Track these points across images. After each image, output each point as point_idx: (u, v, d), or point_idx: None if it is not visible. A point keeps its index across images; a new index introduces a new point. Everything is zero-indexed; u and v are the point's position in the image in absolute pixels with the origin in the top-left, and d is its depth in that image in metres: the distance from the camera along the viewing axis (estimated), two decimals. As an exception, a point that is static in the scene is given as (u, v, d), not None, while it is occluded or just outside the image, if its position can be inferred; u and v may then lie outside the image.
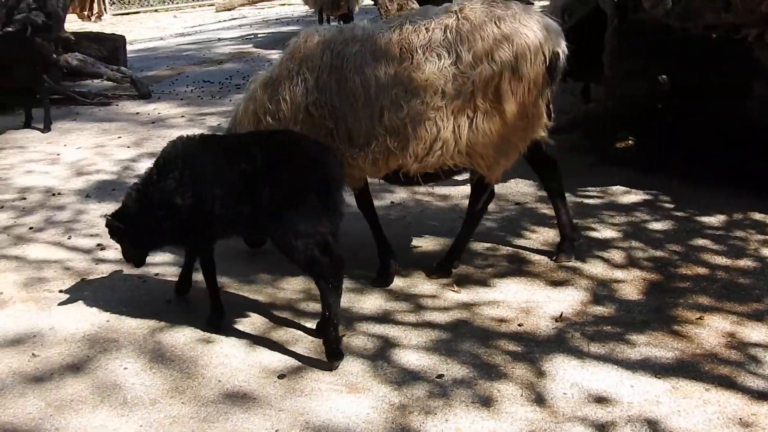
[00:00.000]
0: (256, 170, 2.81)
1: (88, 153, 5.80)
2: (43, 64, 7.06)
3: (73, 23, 13.58)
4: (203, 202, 2.90)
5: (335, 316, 2.78)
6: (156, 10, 18.28)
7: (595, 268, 3.57)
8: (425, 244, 3.96)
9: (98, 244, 4.06)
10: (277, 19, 13.99)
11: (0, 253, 4.04)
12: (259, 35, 11.77)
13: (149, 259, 3.63)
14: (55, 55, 7.60)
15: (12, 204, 4.80)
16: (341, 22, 10.75)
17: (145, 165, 5.24)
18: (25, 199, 4.88)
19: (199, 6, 18.37)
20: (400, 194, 4.65)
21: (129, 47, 9.63)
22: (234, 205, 2.86)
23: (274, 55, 9.65)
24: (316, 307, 3.27)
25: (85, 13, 16.73)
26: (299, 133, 3.12)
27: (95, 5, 16.90)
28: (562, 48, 3.01)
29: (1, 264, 3.89)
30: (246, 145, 2.98)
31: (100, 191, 4.90)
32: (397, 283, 3.49)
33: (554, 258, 3.62)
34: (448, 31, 2.98)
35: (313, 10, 10.93)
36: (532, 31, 2.94)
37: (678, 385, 2.56)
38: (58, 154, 5.83)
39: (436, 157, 3.09)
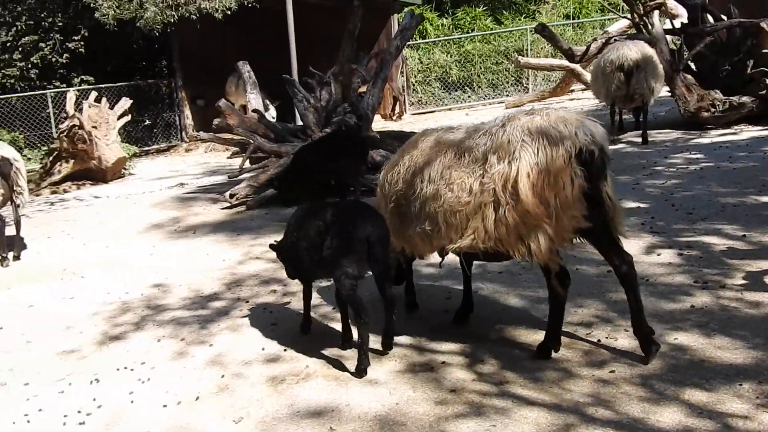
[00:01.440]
0: (325, 228, 3.79)
1: (385, 241, 6.27)
2: (364, 160, 7.90)
3: (377, 122, 15.04)
4: (299, 249, 3.99)
5: (365, 343, 3.74)
6: (450, 109, 19.51)
7: None
8: (733, 356, 3.52)
9: (391, 328, 4.31)
10: (565, 114, 14.07)
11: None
12: (547, 130, 11.90)
13: (437, 346, 3.78)
14: (363, 152, 8.46)
15: (316, 284, 5.31)
16: (635, 117, 10.44)
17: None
18: (330, 281, 5.39)
19: (490, 104, 19.22)
20: (702, 298, 4.24)
21: (425, 144, 10.33)
22: (313, 252, 3.86)
23: (563, 149, 9.66)
24: (605, 413, 3.08)
25: (388, 113, 18.51)
26: (363, 203, 4.14)
27: (397, 106, 18.63)
28: (599, 147, 3.29)
29: (307, 338, 4.31)
30: (324, 210, 3.94)
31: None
32: (700, 397, 3.14)
33: None
34: (489, 138, 3.51)
35: (603, 103, 10.80)
36: (557, 134, 3.28)
37: None
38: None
39: (469, 241, 3.55)
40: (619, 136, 9.82)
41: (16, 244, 7.56)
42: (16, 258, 7.42)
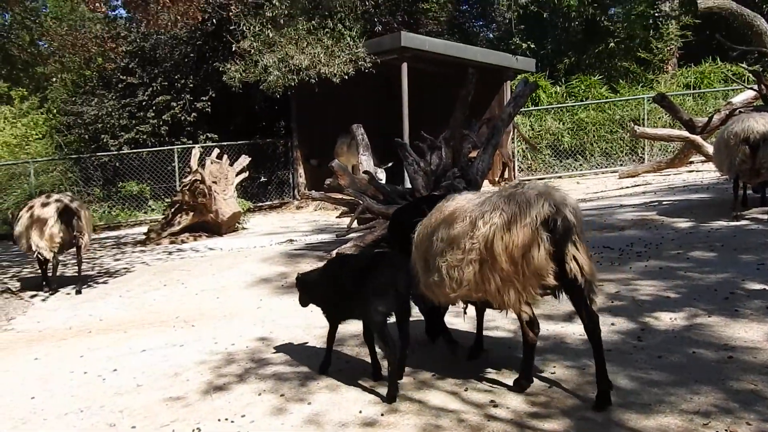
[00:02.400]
0: (362, 272, 4.50)
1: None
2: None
3: (485, 188, 15.00)
4: (338, 290, 4.66)
5: (395, 371, 4.33)
6: (560, 177, 19.22)
7: None
8: None
9: (491, 401, 4.17)
10: (684, 186, 13.47)
11: (405, 395, 4.41)
12: (663, 202, 11.42)
13: (539, 424, 3.62)
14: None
15: (419, 349, 5.26)
16: (760, 192, 9.88)
17: (545, 325, 5.38)
18: (428, 346, 5.32)
19: (602, 173, 18.79)
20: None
21: (533, 211, 10.15)
22: (349, 293, 4.53)
23: (681, 223, 9.24)
24: None
25: (496, 179, 18.46)
26: (393, 252, 4.85)
27: (506, 172, 18.56)
28: (561, 216, 3.83)
29: (404, 405, 4.23)
30: (361, 259, 4.89)
31: (497, 347, 5.09)
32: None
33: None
34: (479, 206, 4.13)
35: (726, 177, 10.30)
36: (527, 205, 3.88)
37: None
38: (463, 307, 6.28)
39: (465, 291, 4.15)
40: (742, 212, 9.30)
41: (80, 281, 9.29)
42: (78, 292, 9.02)
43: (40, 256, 9.00)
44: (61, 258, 9.30)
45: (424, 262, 4.45)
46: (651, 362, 4.55)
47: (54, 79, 19.21)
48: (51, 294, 9.04)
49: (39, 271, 9.72)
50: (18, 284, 10.07)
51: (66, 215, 8.81)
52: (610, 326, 5.31)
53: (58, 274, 9.47)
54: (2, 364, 5.96)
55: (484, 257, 3.99)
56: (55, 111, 24.50)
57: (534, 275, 3.87)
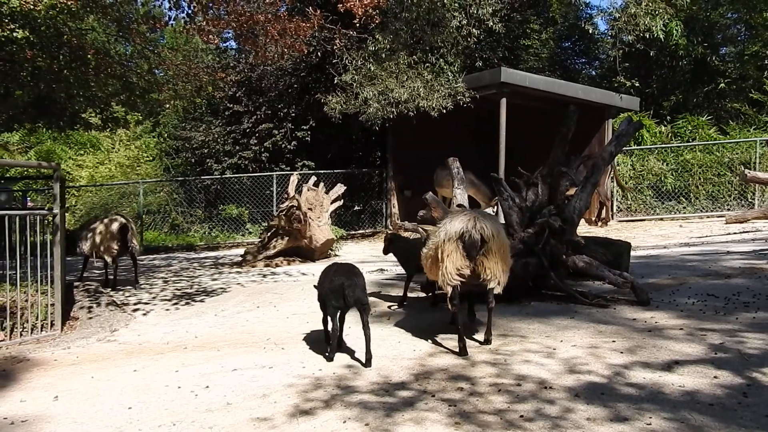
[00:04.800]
0: (330, 276, 6.18)
1: (581, 352, 5.94)
2: (552, 263, 7.72)
3: (581, 227, 14.61)
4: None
5: (335, 343, 6.31)
6: (661, 219, 18.51)
7: None
8: None
9: (582, 448, 4.02)
10: (798, 235, 12.69)
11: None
12: (775, 251, 10.79)
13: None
14: (564, 256, 8.24)
15: (508, 389, 5.14)
16: None
17: (637, 373, 5.16)
18: (519, 386, 5.19)
19: (707, 217, 17.95)
20: None
21: (631, 253, 9.82)
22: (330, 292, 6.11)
23: (794, 274, 8.67)
24: None
25: (593, 218, 17.95)
26: (350, 264, 6.43)
27: (603, 212, 18.03)
28: (470, 234, 5.90)
29: (491, 445, 4.14)
30: (334, 266, 6.45)
31: (589, 392, 4.91)
32: None
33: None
34: (442, 224, 6.34)
35: None
36: (453, 227, 6.01)
37: None
38: (554, 349, 6.10)
39: (427, 272, 6.70)
40: None
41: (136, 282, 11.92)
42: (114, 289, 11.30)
43: (106, 259, 11.45)
44: (155, 278, 9.86)
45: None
46: (758, 421, 4.26)
47: (167, 106, 20.30)
48: (113, 292, 11.09)
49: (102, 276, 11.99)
50: (122, 295, 10.60)
51: (124, 231, 11.17)
52: (713, 379, 5.02)
53: (161, 292, 9.87)
54: (105, 373, 6.26)
55: (435, 255, 6.18)
56: (165, 135, 25.91)
57: (455, 268, 5.98)
